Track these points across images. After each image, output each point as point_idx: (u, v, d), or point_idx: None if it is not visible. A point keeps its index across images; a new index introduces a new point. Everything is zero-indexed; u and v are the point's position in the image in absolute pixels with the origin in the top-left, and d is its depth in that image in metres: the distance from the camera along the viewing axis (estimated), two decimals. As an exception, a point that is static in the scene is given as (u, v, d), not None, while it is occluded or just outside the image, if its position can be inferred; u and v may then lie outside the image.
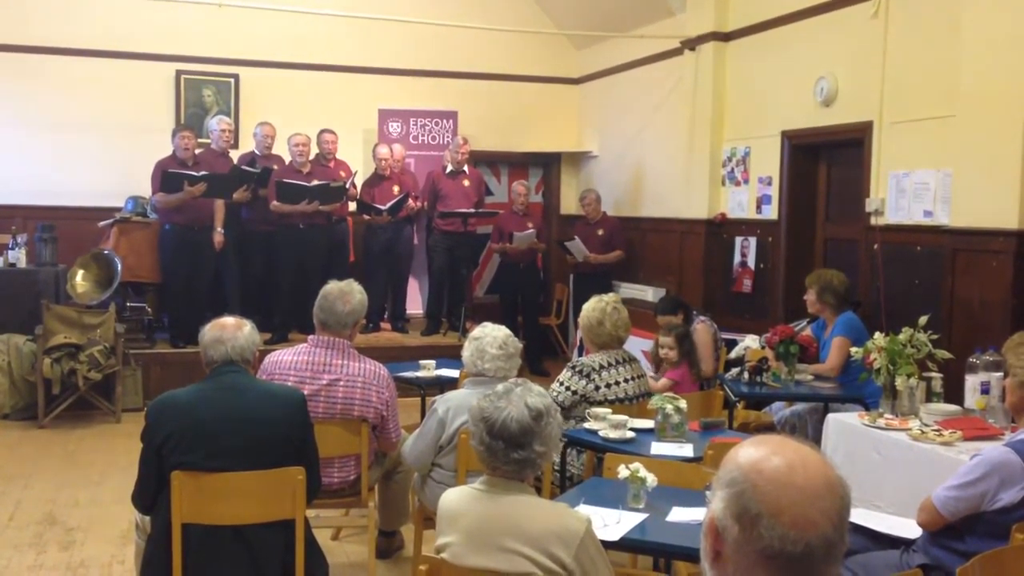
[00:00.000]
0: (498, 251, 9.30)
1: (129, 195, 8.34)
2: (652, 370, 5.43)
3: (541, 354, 9.20)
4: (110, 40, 8.88)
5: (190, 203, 7.52)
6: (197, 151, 7.81)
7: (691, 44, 7.98)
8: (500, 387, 2.63)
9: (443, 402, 3.85)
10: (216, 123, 8.27)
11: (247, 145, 8.71)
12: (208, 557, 3.05)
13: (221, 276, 8.04)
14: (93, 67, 8.88)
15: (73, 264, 7.61)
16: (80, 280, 7.56)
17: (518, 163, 10.53)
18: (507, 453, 2.50)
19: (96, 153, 8.88)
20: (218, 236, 7.80)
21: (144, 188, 7.96)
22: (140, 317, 7.82)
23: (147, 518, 3.26)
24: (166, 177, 7.42)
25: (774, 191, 7.21)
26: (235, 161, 8.22)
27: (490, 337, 3.94)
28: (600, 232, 8.82)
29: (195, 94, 9.24)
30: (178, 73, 9.14)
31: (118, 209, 8.26)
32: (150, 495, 3.13)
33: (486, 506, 2.49)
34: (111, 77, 8.92)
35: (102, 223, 8.14)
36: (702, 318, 6.33)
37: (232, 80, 9.30)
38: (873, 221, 6.12)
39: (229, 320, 3.32)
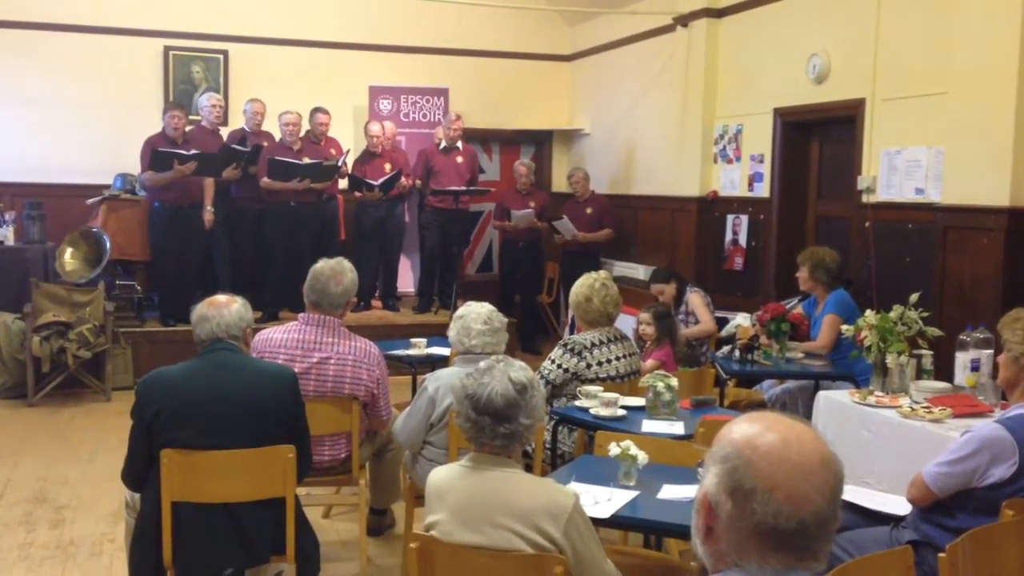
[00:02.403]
0: (498, 228, 9.32)
1: (117, 173, 8.29)
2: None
3: (534, 332, 9.20)
4: (98, 16, 8.77)
5: (180, 181, 7.47)
6: (187, 129, 7.75)
7: (683, 20, 7.93)
8: (482, 364, 2.63)
9: (433, 380, 3.84)
10: (206, 100, 8.20)
11: (237, 122, 8.64)
12: (198, 535, 3.05)
13: (211, 254, 8.02)
14: (81, 43, 8.78)
15: (61, 242, 7.56)
16: (69, 258, 7.51)
17: (509, 140, 10.47)
18: (494, 428, 2.50)
19: (84, 130, 8.79)
20: (208, 215, 7.76)
21: (132, 165, 7.90)
22: (130, 295, 7.78)
23: (137, 496, 3.25)
24: (156, 156, 7.37)
25: (766, 169, 7.19)
26: (225, 138, 8.15)
27: (474, 314, 3.94)
28: (589, 211, 8.78)
29: (184, 70, 9.15)
30: (166, 49, 9.05)
31: (106, 187, 8.21)
32: (140, 473, 3.12)
33: (473, 482, 2.49)
34: (99, 53, 8.83)
35: (90, 201, 8.08)
36: (695, 288, 6.36)
37: (221, 56, 9.21)
38: (865, 199, 6.11)
39: (221, 298, 3.32)
